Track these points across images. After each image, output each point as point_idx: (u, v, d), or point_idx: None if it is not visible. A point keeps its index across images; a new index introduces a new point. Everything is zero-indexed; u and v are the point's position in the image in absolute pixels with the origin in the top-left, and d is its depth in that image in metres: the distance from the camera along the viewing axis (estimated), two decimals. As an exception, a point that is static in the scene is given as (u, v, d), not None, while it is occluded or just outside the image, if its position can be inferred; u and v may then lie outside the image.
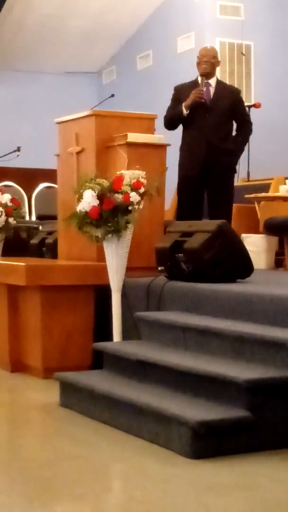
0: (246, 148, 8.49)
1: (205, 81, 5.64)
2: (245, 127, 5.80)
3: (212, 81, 5.72)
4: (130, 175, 4.41)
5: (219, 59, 5.97)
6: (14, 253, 6.13)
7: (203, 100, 5.58)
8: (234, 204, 6.84)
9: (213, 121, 5.59)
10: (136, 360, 3.82)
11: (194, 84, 5.71)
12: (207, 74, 5.66)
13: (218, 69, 9.72)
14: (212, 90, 5.69)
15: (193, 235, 4.53)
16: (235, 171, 5.88)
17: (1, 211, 6.34)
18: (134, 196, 4.36)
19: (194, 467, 2.99)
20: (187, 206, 5.65)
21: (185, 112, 5.58)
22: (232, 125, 5.76)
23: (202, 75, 5.67)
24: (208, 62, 5.66)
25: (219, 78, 6.01)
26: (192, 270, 4.42)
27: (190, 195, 5.65)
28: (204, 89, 5.63)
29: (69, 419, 3.79)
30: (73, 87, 11.39)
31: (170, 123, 5.70)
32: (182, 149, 5.71)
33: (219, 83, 5.81)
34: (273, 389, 3.20)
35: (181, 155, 5.72)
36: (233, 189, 5.83)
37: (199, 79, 5.69)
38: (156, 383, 3.67)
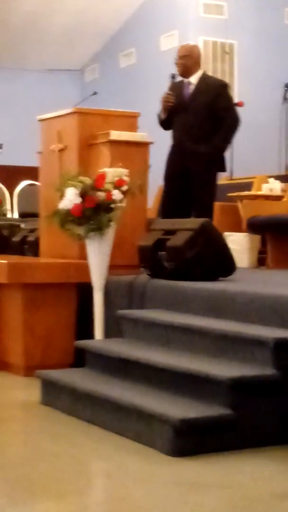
0: (229, 146, 8.56)
1: (174, 80, 5.61)
2: (225, 125, 5.52)
3: (194, 78, 5.62)
4: (112, 173, 4.40)
5: (198, 54, 5.73)
6: (-5, 251, 6.09)
7: (170, 104, 5.48)
8: (217, 203, 6.86)
9: (190, 120, 5.50)
10: (119, 358, 3.81)
11: (181, 83, 5.69)
12: (183, 75, 5.64)
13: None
14: (191, 88, 5.61)
15: (175, 233, 4.53)
16: (218, 169, 5.71)
17: (-17, 209, 6.30)
18: (116, 194, 4.35)
19: (176, 465, 2.99)
20: (170, 204, 5.64)
21: (162, 116, 5.59)
22: (217, 122, 5.57)
23: (180, 75, 5.67)
24: (180, 64, 5.61)
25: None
26: (174, 268, 4.42)
27: (171, 193, 5.64)
28: (186, 89, 5.60)
29: (51, 417, 3.78)
30: (56, 85, 11.35)
31: (160, 124, 5.72)
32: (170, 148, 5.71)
33: (202, 79, 5.65)
34: (255, 387, 3.21)
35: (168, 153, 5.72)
36: (211, 185, 5.64)
37: (184, 79, 5.67)
38: (139, 381, 3.67)
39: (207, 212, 5.44)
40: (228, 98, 5.73)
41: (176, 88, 5.64)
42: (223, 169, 5.79)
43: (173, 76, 5.69)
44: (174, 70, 5.77)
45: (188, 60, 5.62)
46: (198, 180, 5.53)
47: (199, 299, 4.05)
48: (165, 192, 5.76)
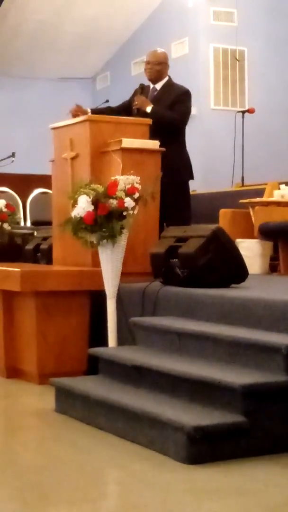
0: (239, 153, 8.57)
1: (141, 91, 5.67)
2: (173, 113, 5.57)
3: (159, 84, 5.76)
4: (124, 180, 4.41)
5: (167, 63, 5.82)
6: (9, 259, 6.12)
7: (79, 116, 5.34)
8: (229, 210, 6.87)
9: (151, 126, 5.32)
10: (132, 365, 3.82)
11: (148, 88, 5.79)
12: (154, 80, 5.76)
13: (212, 74, 9.87)
14: (154, 95, 5.74)
15: (187, 240, 4.54)
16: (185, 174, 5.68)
17: (-4, 217, 6.33)
18: (128, 202, 4.36)
19: (189, 472, 3.00)
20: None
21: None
22: (177, 130, 5.60)
23: (151, 80, 5.77)
24: (155, 70, 5.72)
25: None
26: (187, 275, 4.43)
27: None
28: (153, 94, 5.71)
29: (65, 425, 3.79)
30: (68, 93, 11.39)
31: None
32: None
33: (166, 85, 5.78)
34: (268, 394, 3.20)
35: None
36: (176, 185, 5.51)
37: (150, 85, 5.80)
38: (152, 388, 3.68)
39: (179, 212, 5.43)
40: (186, 105, 5.76)
41: (144, 93, 5.74)
42: (186, 175, 5.76)
43: (141, 87, 5.75)
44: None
45: (164, 68, 5.78)
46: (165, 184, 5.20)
47: (211, 306, 4.06)
48: None
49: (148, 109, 5.59)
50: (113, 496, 2.95)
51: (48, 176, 5.77)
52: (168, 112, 5.63)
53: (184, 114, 5.73)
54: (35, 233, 7.16)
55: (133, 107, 5.61)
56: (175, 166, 5.38)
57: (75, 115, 5.47)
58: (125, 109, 5.69)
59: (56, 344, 4.75)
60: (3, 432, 3.84)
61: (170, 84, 5.83)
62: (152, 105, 5.60)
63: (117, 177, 4.48)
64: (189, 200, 5.87)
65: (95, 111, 5.58)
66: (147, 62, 5.81)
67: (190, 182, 6.09)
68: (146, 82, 5.88)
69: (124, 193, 4.37)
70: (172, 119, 5.61)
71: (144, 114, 5.52)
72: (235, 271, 4.52)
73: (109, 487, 3.06)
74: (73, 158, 5.24)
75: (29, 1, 10.06)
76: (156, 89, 5.78)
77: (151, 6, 10.57)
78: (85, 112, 5.45)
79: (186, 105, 5.78)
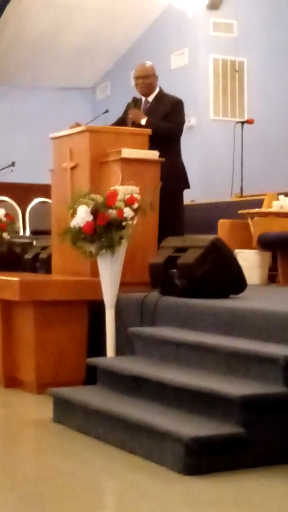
0: (239, 163, 8.59)
1: (134, 105, 5.71)
2: (168, 124, 5.62)
3: (151, 97, 5.81)
4: (124, 190, 4.42)
5: (155, 74, 5.87)
6: (7, 268, 6.12)
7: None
8: (227, 220, 6.88)
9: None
10: (130, 375, 3.82)
11: (140, 101, 5.84)
12: (146, 94, 5.82)
13: (211, 85, 9.90)
14: (147, 107, 5.78)
15: (186, 251, 4.55)
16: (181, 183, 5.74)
17: (-5, 226, 6.33)
18: (128, 212, 4.37)
19: (187, 483, 2.99)
20: None
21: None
22: (173, 140, 5.66)
23: (143, 95, 5.83)
24: (145, 84, 5.78)
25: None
26: (185, 286, 4.43)
27: None
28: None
29: (62, 435, 3.79)
30: (68, 103, 11.44)
31: None
32: None
33: (157, 97, 5.83)
34: (267, 405, 3.20)
35: None
36: (170, 193, 5.46)
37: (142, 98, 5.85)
38: (150, 399, 3.67)
39: (172, 221, 5.46)
40: (180, 114, 5.81)
41: (138, 106, 5.78)
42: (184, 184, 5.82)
43: (135, 100, 5.78)
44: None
45: (154, 80, 5.84)
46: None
47: (210, 317, 4.06)
48: None
49: (143, 121, 5.62)
50: (110, 507, 2.95)
51: (48, 185, 5.78)
52: (162, 123, 5.65)
53: (179, 124, 5.77)
54: (34, 243, 7.15)
55: (128, 121, 5.63)
56: (169, 175, 5.38)
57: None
58: (120, 124, 5.70)
59: (54, 353, 4.75)
60: (1, 441, 3.83)
61: (161, 95, 5.87)
62: (146, 117, 5.63)
63: (116, 187, 4.49)
64: (182, 209, 5.86)
65: None
66: (137, 77, 5.86)
67: (189, 192, 6.10)
68: (140, 95, 5.92)
69: (123, 203, 4.37)
70: (167, 129, 5.63)
71: (139, 127, 5.54)
72: (234, 281, 4.53)
73: (107, 497, 3.06)
74: (72, 168, 5.26)
75: (30, 12, 10.10)
76: (148, 102, 5.83)
77: (151, 17, 10.61)
78: None
79: (180, 114, 5.82)
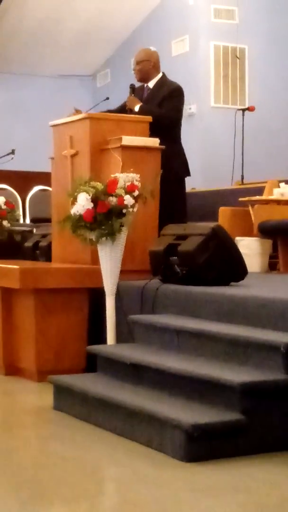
0: (239, 151, 8.57)
1: (133, 92, 5.68)
2: (163, 109, 5.58)
3: (152, 83, 5.78)
4: (124, 178, 4.41)
5: (157, 58, 5.81)
6: (8, 256, 6.11)
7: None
8: (228, 208, 6.87)
9: None
10: (130, 363, 3.82)
11: (142, 87, 5.82)
12: (142, 80, 5.79)
13: (212, 72, 9.85)
14: (147, 93, 5.76)
15: (187, 238, 4.54)
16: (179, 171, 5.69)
17: (-5, 214, 6.33)
18: (128, 199, 4.36)
19: (187, 470, 3.00)
20: None
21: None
22: (169, 126, 5.58)
23: (139, 81, 5.81)
24: (137, 70, 5.75)
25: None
26: (186, 273, 4.43)
27: None
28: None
29: (63, 422, 3.79)
30: (68, 90, 11.39)
31: None
32: None
33: (158, 83, 5.79)
34: (267, 392, 3.20)
35: None
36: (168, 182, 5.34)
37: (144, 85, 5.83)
38: (150, 386, 3.68)
39: (174, 209, 5.45)
40: (174, 101, 5.71)
41: (138, 93, 5.75)
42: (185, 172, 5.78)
43: (132, 87, 5.74)
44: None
45: (146, 65, 5.77)
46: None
47: (210, 304, 4.05)
48: None
49: (136, 108, 5.60)
50: (111, 494, 2.95)
51: (48, 173, 5.77)
52: (156, 109, 5.61)
53: (172, 111, 5.67)
54: (34, 230, 7.15)
55: (126, 108, 5.62)
56: (170, 162, 5.35)
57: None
58: (122, 111, 5.68)
59: (55, 341, 4.75)
60: (1, 429, 3.84)
61: (163, 81, 5.82)
62: (140, 104, 5.61)
63: (117, 174, 4.47)
64: (185, 196, 5.86)
65: None
66: (135, 64, 5.84)
67: (190, 179, 6.08)
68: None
69: (123, 191, 4.36)
70: (160, 115, 5.51)
71: (135, 114, 5.52)
72: (235, 269, 4.52)
73: (107, 484, 3.06)
74: (73, 156, 5.24)
75: (30, -2, 10.05)
76: (149, 88, 5.80)
77: (151, 3, 10.55)
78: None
79: (175, 101, 5.71)
